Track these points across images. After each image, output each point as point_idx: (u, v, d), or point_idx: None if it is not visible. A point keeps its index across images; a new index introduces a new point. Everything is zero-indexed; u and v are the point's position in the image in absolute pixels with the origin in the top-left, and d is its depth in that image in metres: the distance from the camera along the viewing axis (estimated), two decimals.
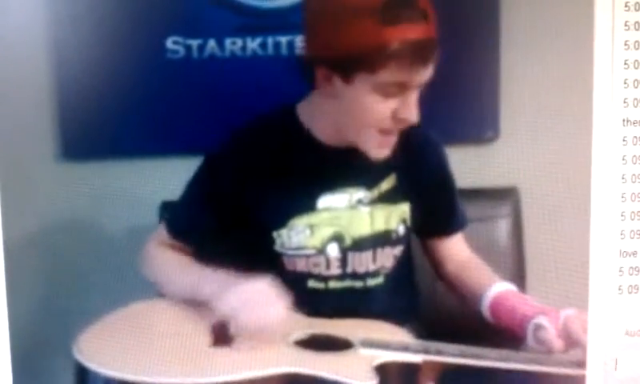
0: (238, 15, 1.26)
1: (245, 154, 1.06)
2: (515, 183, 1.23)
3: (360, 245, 1.05)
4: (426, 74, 0.95)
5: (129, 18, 1.21)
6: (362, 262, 1.06)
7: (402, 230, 1.08)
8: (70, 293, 1.21)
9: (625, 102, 0.88)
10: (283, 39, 1.26)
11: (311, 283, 1.06)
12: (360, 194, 1.05)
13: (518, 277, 1.22)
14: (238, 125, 1.08)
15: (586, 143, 0.89)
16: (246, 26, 1.26)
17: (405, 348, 0.96)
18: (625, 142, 0.89)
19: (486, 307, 1.05)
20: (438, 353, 0.95)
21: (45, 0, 1.17)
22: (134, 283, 1.09)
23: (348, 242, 1.05)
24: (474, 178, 1.17)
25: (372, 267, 1.07)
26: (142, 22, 1.23)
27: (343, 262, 1.05)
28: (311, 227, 1.04)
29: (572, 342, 0.95)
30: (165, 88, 1.25)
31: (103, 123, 1.23)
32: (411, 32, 0.92)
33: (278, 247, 1.05)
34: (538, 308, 1.00)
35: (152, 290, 1.07)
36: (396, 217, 1.07)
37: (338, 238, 1.05)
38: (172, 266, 1.07)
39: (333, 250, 1.05)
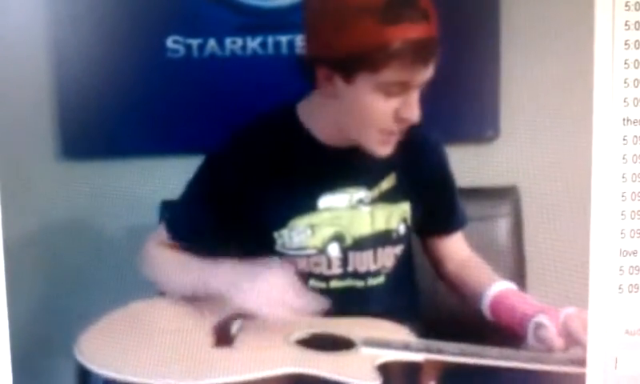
0: (239, 14, 1.26)
1: (245, 154, 1.05)
2: (515, 182, 1.23)
3: (361, 244, 1.05)
4: (427, 73, 0.95)
5: (129, 17, 1.21)
6: (363, 261, 1.06)
7: (402, 229, 1.08)
8: (69, 292, 1.21)
9: (625, 102, 0.89)
10: (283, 38, 1.26)
11: (312, 283, 1.06)
12: (360, 193, 1.05)
13: (518, 276, 1.22)
14: (238, 124, 1.07)
15: (586, 142, 0.89)
16: (246, 25, 1.26)
17: (407, 347, 0.96)
18: (625, 141, 0.89)
19: (486, 306, 1.05)
20: (440, 352, 0.95)
21: (45, 0, 1.17)
22: (133, 282, 1.09)
23: (349, 241, 1.05)
24: (474, 177, 1.17)
25: (373, 267, 1.07)
26: (142, 22, 1.23)
27: (344, 261, 1.06)
28: (312, 227, 1.04)
29: (572, 340, 0.95)
30: (165, 87, 1.25)
31: (103, 122, 1.23)
32: (412, 31, 0.92)
33: (279, 247, 1.05)
34: (538, 307, 1.00)
35: (152, 289, 1.07)
36: (396, 216, 1.07)
37: (338, 237, 1.05)
38: (172, 263, 1.06)
39: (334, 250, 1.05)
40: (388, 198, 1.06)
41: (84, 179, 1.20)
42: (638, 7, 0.87)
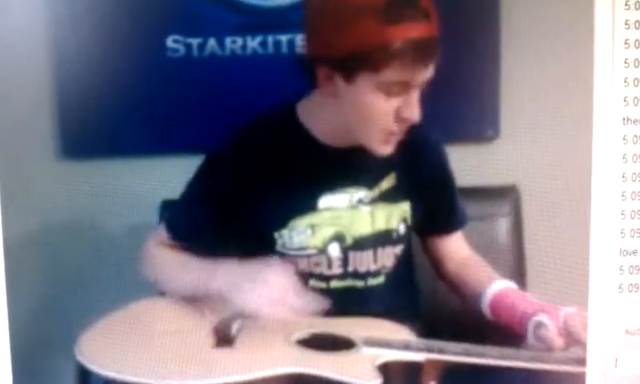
0: (239, 14, 1.26)
1: (245, 154, 1.05)
2: (515, 182, 1.23)
3: (361, 244, 1.06)
4: (427, 72, 0.95)
5: (129, 17, 1.21)
6: (363, 261, 1.06)
7: (402, 229, 1.08)
8: (69, 291, 1.21)
9: (625, 101, 0.89)
10: (283, 38, 1.26)
11: (313, 283, 1.06)
12: (361, 193, 1.05)
13: (518, 275, 1.22)
14: (238, 124, 1.07)
15: (586, 142, 0.89)
16: (246, 24, 1.26)
17: (407, 347, 0.96)
18: (625, 141, 0.89)
19: (486, 305, 1.05)
20: (441, 351, 0.95)
21: (45, 0, 1.17)
22: (134, 281, 1.09)
23: (349, 241, 1.05)
24: (474, 177, 1.17)
25: (373, 266, 1.07)
26: (142, 21, 1.23)
27: (344, 261, 1.06)
28: (312, 227, 1.04)
29: (572, 339, 0.95)
30: (165, 87, 1.25)
31: (103, 122, 1.23)
32: (414, 31, 0.92)
33: (279, 248, 1.05)
34: (538, 306, 1.00)
35: (152, 288, 1.07)
36: (396, 216, 1.07)
37: (339, 237, 1.05)
38: (172, 263, 1.06)
39: (334, 250, 1.05)
40: (388, 197, 1.06)
41: (84, 179, 1.20)
42: (637, 6, 0.87)
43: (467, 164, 1.16)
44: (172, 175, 1.14)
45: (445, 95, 1.06)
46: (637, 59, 0.88)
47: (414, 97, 0.96)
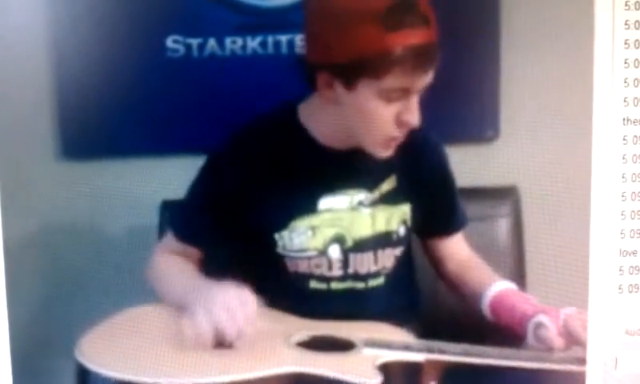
0: (239, 14, 1.25)
1: (245, 154, 1.05)
2: (515, 182, 1.23)
3: (361, 246, 1.06)
4: (426, 78, 0.96)
5: (129, 17, 1.21)
6: (364, 262, 1.06)
7: (402, 230, 1.08)
8: (69, 292, 1.21)
9: (625, 101, 0.88)
10: (283, 38, 1.26)
11: (313, 284, 1.06)
12: (361, 195, 1.05)
13: (518, 276, 1.22)
14: (238, 124, 1.07)
15: (586, 142, 0.89)
16: (246, 24, 1.26)
17: (408, 347, 0.97)
18: (625, 141, 0.89)
19: (486, 306, 1.05)
20: (441, 352, 0.95)
21: (45, 0, 1.17)
22: (134, 282, 1.09)
23: (349, 243, 1.05)
24: (474, 178, 1.17)
25: (373, 268, 1.07)
26: (142, 21, 1.22)
27: (345, 263, 1.06)
28: (313, 229, 1.04)
29: (572, 340, 0.95)
30: (165, 87, 1.25)
31: (103, 122, 1.23)
32: (413, 37, 0.93)
33: (280, 249, 1.05)
34: (538, 306, 1.00)
35: (152, 290, 1.07)
36: (397, 218, 1.07)
37: (339, 239, 1.05)
38: (170, 272, 1.06)
39: (334, 252, 1.05)
40: (388, 199, 1.06)
41: (84, 179, 1.20)
42: (637, 6, 0.87)
43: (467, 165, 1.16)
44: (172, 176, 1.14)
45: (445, 96, 1.06)
46: (637, 59, 0.88)
47: (414, 102, 0.97)
